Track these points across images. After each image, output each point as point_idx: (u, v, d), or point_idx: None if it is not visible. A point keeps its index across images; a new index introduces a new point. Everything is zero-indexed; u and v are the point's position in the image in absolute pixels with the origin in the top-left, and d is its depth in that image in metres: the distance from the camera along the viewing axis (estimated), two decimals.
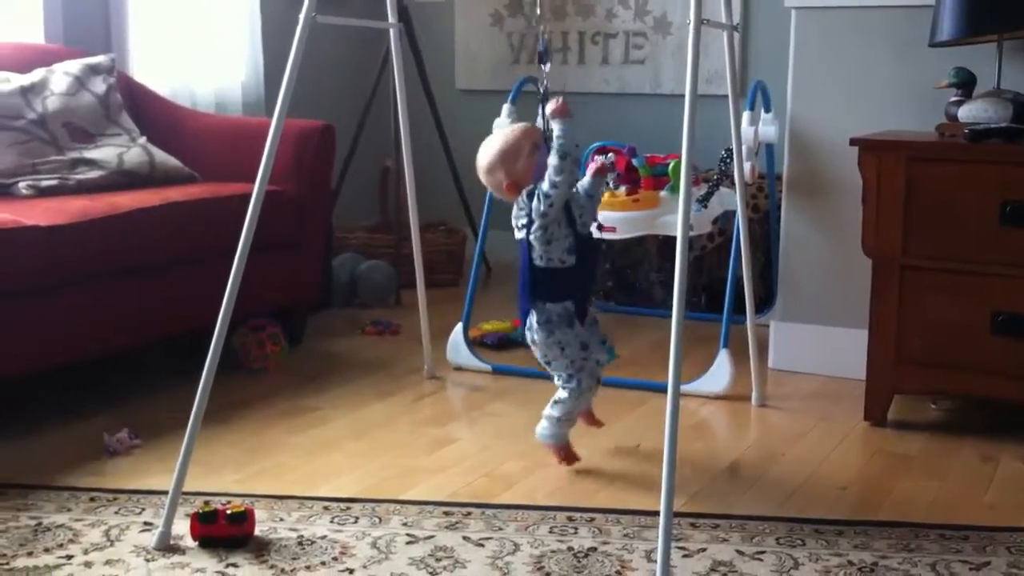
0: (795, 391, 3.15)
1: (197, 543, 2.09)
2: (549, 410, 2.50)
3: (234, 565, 2.02)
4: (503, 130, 2.50)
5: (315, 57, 3.48)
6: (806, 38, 3.23)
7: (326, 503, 2.30)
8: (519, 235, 2.42)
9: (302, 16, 2.31)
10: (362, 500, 2.32)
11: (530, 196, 2.39)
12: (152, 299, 2.97)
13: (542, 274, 2.40)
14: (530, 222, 2.38)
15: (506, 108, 3.40)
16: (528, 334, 2.46)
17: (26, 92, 3.19)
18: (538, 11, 2.48)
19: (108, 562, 2.02)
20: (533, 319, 2.43)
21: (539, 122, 3.22)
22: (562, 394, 2.48)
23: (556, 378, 2.50)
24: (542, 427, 2.51)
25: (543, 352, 2.46)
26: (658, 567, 1.86)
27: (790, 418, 2.92)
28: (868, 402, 2.86)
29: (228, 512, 2.10)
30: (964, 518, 2.27)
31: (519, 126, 2.47)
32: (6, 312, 2.59)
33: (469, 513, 2.26)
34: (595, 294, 2.48)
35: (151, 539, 2.10)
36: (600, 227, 2.50)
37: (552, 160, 2.33)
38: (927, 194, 2.73)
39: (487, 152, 2.44)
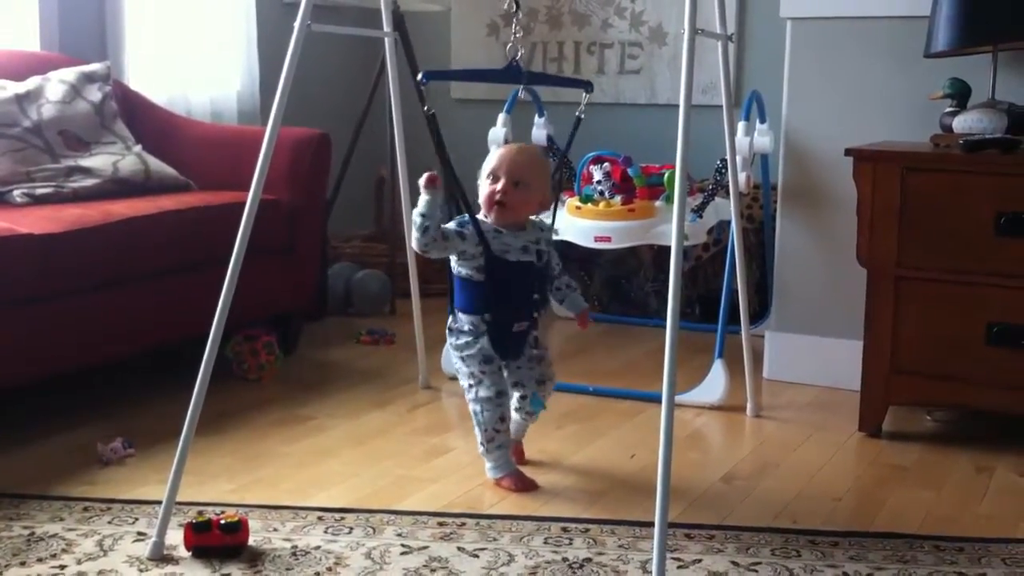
0: (790, 402, 3.15)
1: (191, 553, 2.08)
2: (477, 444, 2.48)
3: None
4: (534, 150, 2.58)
5: (311, 66, 3.48)
6: (801, 48, 3.24)
7: (320, 513, 2.29)
8: None
9: (297, 24, 2.30)
10: (356, 510, 2.31)
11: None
12: (146, 307, 2.96)
13: (456, 282, 2.44)
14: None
15: (501, 118, 3.40)
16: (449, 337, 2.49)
17: (21, 100, 3.18)
18: (513, 34, 2.48)
19: (101, 572, 2.01)
20: (449, 322, 2.48)
21: (536, 132, 3.22)
22: (473, 419, 2.46)
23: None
24: (486, 466, 2.48)
25: (453, 357, 2.49)
26: None
27: (785, 429, 2.92)
28: (863, 413, 2.86)
29: (222, 522, 2.09)
30: (959, 529, 2.27)
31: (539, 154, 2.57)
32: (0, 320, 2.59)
33: (464, 523, 2.25)
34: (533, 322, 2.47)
35: (144, 549, 2.09)
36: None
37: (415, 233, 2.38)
38: (922, 205, 2.73)
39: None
